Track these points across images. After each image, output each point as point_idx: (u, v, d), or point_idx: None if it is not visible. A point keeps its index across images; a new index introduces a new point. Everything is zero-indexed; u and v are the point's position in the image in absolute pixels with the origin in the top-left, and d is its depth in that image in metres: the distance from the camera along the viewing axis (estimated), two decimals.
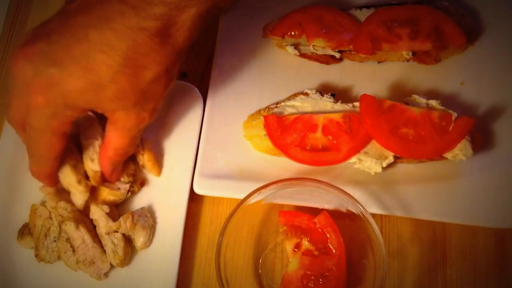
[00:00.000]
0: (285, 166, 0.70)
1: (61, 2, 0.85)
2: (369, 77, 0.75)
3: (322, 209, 0.66)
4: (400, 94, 0.73)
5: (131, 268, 0.68)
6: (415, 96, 0.69)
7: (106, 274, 0.67)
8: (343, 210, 0.65)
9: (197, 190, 0.69)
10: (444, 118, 0.67)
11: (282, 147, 0.68)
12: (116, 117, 0.61)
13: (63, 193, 0.69)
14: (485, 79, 0.73)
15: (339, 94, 0.72)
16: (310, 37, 0.74)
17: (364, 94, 0.68)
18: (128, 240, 0.68)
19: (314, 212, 0.66)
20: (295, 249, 0.65)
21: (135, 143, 0.67)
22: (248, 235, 0.69)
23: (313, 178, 0.64)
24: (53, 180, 0.67)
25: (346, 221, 0.65)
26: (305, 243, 0.65)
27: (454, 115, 0.67)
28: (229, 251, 0.65)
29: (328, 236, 0.64)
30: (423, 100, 0.69)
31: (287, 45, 0.75)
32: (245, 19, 0.78)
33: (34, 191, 0.70)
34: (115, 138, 0.64)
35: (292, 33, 0.74)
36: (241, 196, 0.69)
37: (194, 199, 0.71)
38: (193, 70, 0.80)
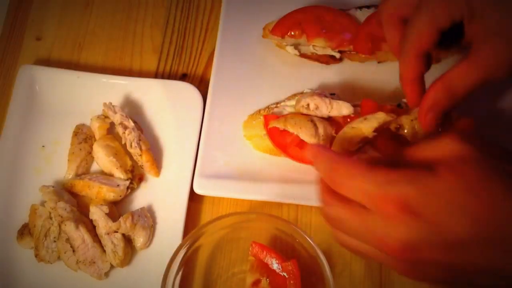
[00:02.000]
0: (285, 165, 0.70)
1: (61, 2, 0.85)
2: (369, 77, 0.75)
3: (293, 256, 0.65)
4: (400, 94, 0.72)
5: (131, 268, 0.68)
6: None
7: (106, 274, 0.67)
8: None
9: (197, 190, 0.69)
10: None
11: (282, 147, 0.68)
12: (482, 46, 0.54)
13: (62, 193, 0.69)
14: None
15: (339, 94, 0.72)
16: (310, 37, 0.74)
17: (365, 100, 0.68)
18: (128, 240, 0.68)
19: (285, 252, 0.66)
20: (253, 285, 0.65)
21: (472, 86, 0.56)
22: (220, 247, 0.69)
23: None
24: (417, 90, 0.59)
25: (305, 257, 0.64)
26: (264, 283, 0.64)
27: (454, 115, 0.67)
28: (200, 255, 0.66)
29: (287, 285, 0.63)
30: None
31: (287, 45, 0.75)
32: (245, 19, 0.78)
33: (34, 191, 0.70)
34: (462, 69, 0.55)
35: (292, 33, 0.74)
36: (241, 196, 0.69)
37: (194, 199, 0.71)
38: (193, 70, 0.80)
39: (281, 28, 0.74)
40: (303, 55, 0.76)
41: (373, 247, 0.45)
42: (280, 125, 0.68)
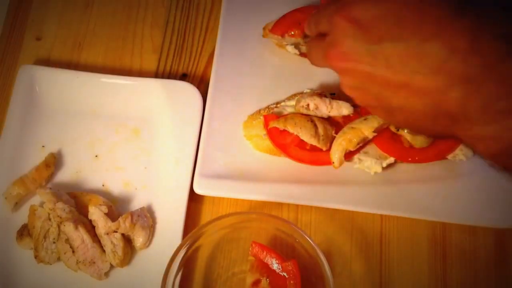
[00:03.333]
0: (285, 166, 0.70)
1: (61, 2, 0.85)
2: None
3: (293, 256, 0.65)
4: None
5: (131, 268, 0.68)
6: None
7: (106, 274, 0.67)
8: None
9: (197, 190, 0.69)
10: None
11: (282, 147, 0.68)
12: None
13: (60, 194, 0.69)
14: None
15: (339, 94, 0.72)
16: None
17: None
18: (127, 240, 0.68)
19: (286, 252, 0.66)
20: (253, 285, 0.65)
21: None
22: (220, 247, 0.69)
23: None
24: None
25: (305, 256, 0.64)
26: (264, 283, 0.64)
27: None
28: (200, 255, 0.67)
29: (287, 285, 0.63)
30: None
31: (287, 44, 0.75)
32: (245, 19, 0.78)
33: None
34: None
35: (292, 32, 0.74)
36: (241, 196, 0.69)
37: (194, 199, 0.71)
38: (193, 70, 0.80)
39: (281, 27, 0.74)
40: (303, 55, 0.76)
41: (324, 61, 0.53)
42: (280, 125, 0.68)
